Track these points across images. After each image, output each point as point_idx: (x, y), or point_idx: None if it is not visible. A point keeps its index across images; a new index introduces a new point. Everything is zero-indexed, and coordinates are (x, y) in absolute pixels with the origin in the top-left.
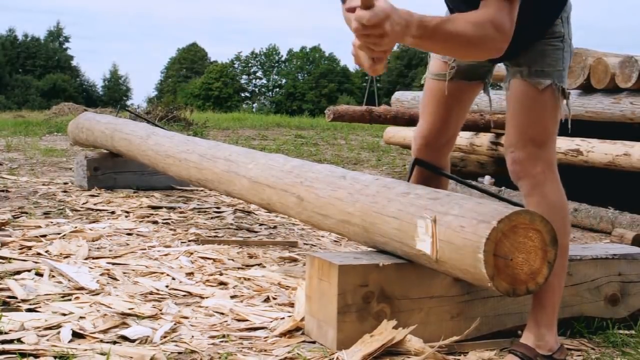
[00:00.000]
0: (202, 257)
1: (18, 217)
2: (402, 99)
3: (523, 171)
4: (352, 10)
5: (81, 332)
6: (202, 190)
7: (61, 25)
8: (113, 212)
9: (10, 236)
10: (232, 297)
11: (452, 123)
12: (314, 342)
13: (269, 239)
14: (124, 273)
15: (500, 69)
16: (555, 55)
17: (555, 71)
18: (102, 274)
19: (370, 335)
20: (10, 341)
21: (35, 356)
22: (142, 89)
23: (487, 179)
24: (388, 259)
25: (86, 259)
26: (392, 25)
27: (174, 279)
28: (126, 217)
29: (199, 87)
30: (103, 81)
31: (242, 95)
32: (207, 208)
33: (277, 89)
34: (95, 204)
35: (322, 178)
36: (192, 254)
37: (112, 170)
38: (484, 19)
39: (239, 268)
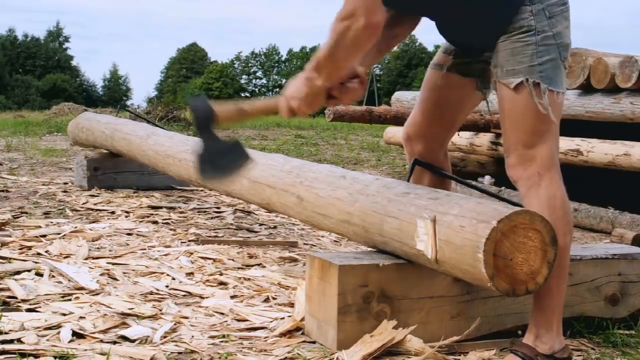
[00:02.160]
0: (202, 257)
1: (18, 217)
2: (402, 99)
3: (516, 175)
4: None
5: (81, 332)
6: (202, 190)
7: (61, 25)
8: (113, 212)
9: (10, 236)
10: (232, 297)
11: (442, 116)
12: (314, 342)
13: (269, 239)
14: (124, 273)
15: None
16: (526, 51)
17: (528, 67)
18: (102, 274)
19: (370, 335)
20: (10, 341)
21: (35, 356)
22: (142, 89)
23: (487, 179)
24: (388, 259)
25: (86, 259)
26: (293, 96)
27: (174, 279)
28: (126, 217)
29: (199, 87)
30: (103, 81)
31: (242, 95)
32: (207, 208)
33: (277, 89)
34: (95, 204)
35: (322, 178)
36: (192, 254)
37: (112, 170)
38: (333, 23)
39: (239, 268)
